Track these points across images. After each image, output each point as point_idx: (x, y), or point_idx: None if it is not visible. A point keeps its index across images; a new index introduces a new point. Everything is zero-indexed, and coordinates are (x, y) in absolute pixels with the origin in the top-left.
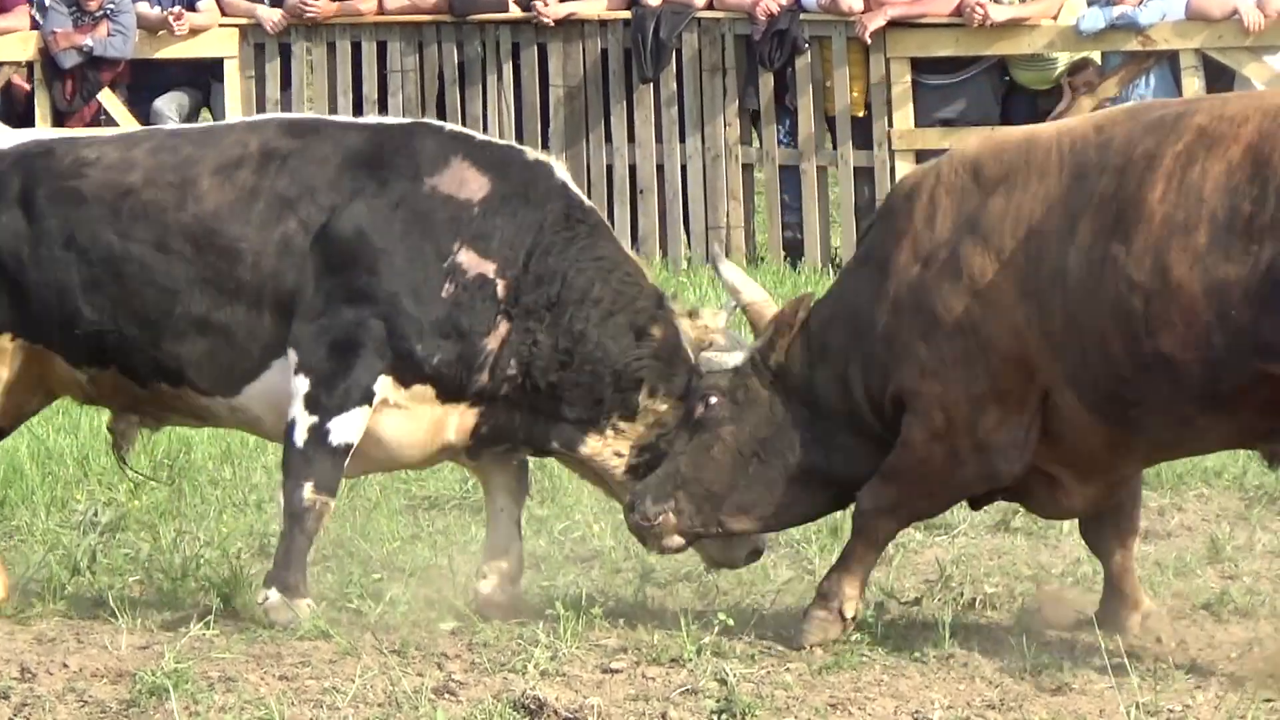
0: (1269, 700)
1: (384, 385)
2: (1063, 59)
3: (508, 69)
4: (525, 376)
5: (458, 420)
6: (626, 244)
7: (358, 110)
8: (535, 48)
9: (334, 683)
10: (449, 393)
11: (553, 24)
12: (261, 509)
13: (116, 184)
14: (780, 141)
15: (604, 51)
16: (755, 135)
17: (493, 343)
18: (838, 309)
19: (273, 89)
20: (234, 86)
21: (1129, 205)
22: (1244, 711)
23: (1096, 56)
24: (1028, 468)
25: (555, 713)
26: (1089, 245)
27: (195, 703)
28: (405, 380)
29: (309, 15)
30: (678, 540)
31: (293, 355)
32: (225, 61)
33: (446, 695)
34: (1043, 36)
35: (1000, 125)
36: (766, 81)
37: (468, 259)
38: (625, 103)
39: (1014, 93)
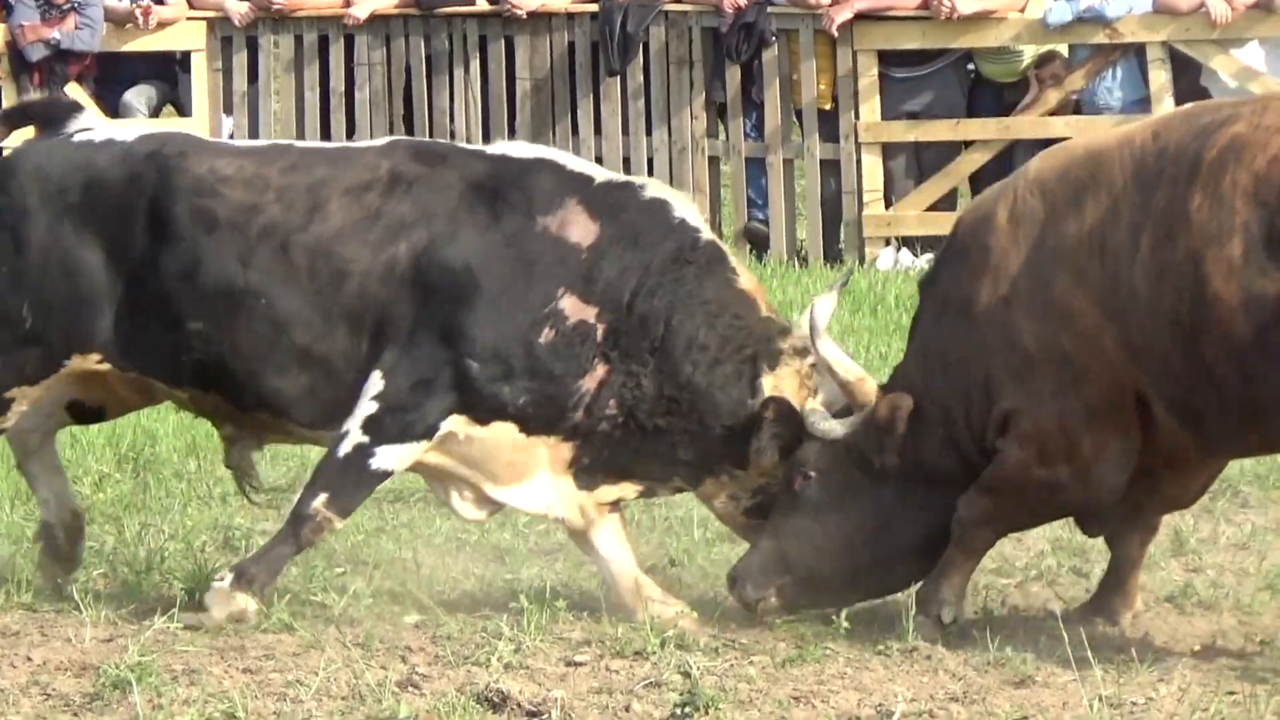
0: (1231, 693)
1: (454, 423)
2: (1029, 51)
3: (475, 62)
4: (629, 418)
5: (548, 452)
6: None
7: (324, 104)
8: (502, 40)
9: (298, 676)
10: (534, 430)
11: (525, 16)
12: (226, 502)
13: (250, 206)
14: (746, 134)
15: (571, 44)
16: (722, 128)
17: (589, 384)
18: (928, 367)
19: (240, 82)
20: (201, 80)
21: (1176, 215)
22: (1207, 704)
23: (1063, 49)
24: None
25: (519, 705)
26: (1149, 257)
27: (159, 696)
28: (482, 419)
29: (275, 8)
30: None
31: (375, 377)
32: (192, 54)
33: (410, 688)
34: (1010, 29)
35: (967, 118)
36: (733, 74)
37: (569, 305)
38: (592, 95)
39: (980, 85)
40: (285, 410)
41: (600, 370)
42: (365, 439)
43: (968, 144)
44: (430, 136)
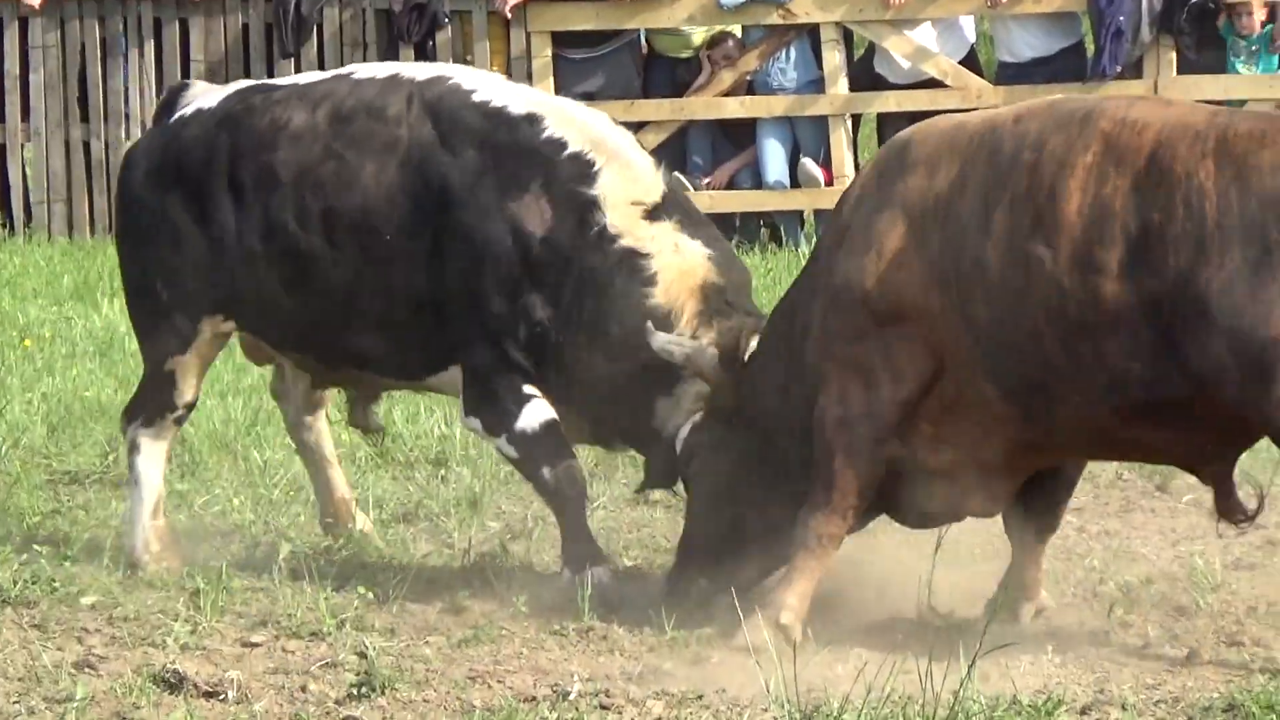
0: (908, 672)
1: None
2: (698, 32)
3: (150, 45)
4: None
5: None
6: None
7: None
8: (177, 23)
9: None
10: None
11: None
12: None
13: (302, 159)
14: None
15: (245, 26)
16: None
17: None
18: (774, 319)
19: None
20: None
21: (1047, 211)
22: (883, 682)
23: (737, 30)
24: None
25: (196, 686)
26: (1008, 241)
27: None
28: None
29: None
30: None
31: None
32: None
33: (87, 669)
34: (684, 10)
35: (641, 99)
36: (407, 56)
37: None
38: (266, 78)
39: (654, 57)
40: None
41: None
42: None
43: (643, 125)
44: (105, 120)
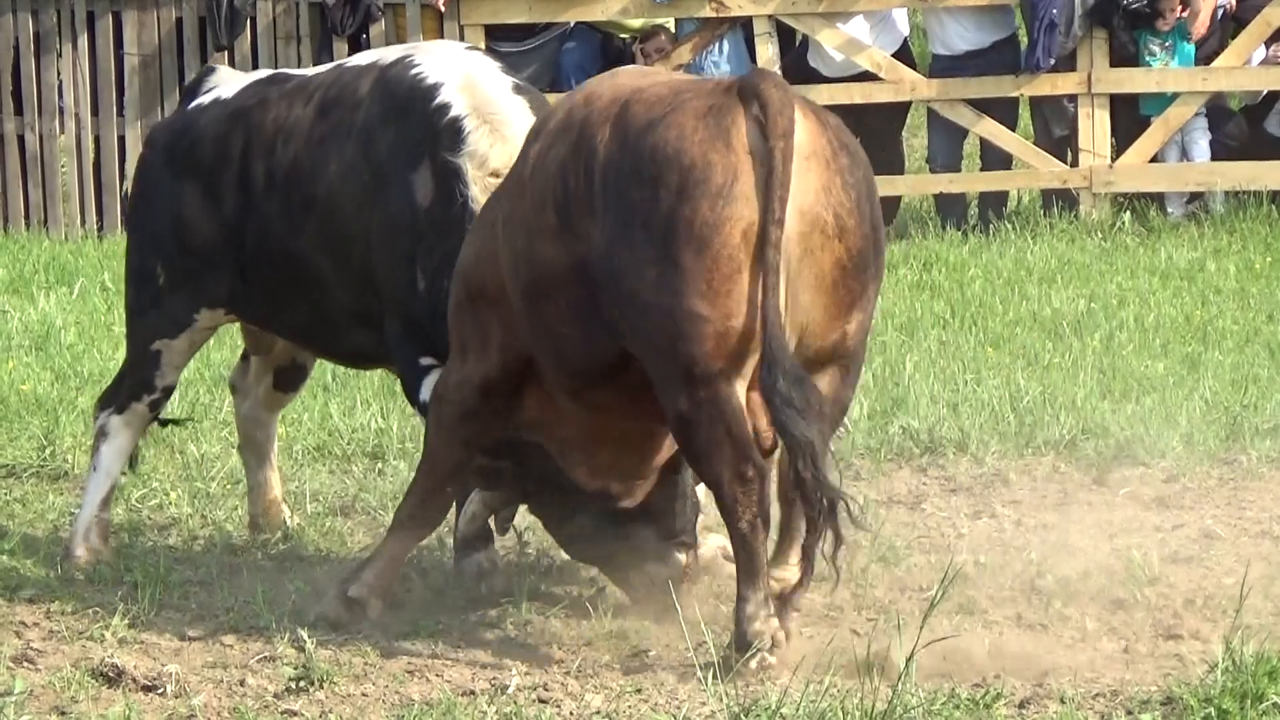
0: (844, 665)
1: None
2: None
3: (83, 38)
4: None
5: None
6: None
7: None
8: (110, 16)
9: None
10: None
11: None
12: None
13: (295, 155)
14: None
15: (179, 19)
16: None
17: None
18: None
19: None
20: None
21: (526, 185)
22: (820, 676)
23: (670, 23)
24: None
25: (134, 680)
26: (508, 219)
27: None
28: None
29: None
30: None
31: None
32: None
33: (25, 663)
34: (617, 3)
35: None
36: (340, 49)
37: None
38: (200, 70)
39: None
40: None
41: None
42: None
43: None
44: (39, 114)
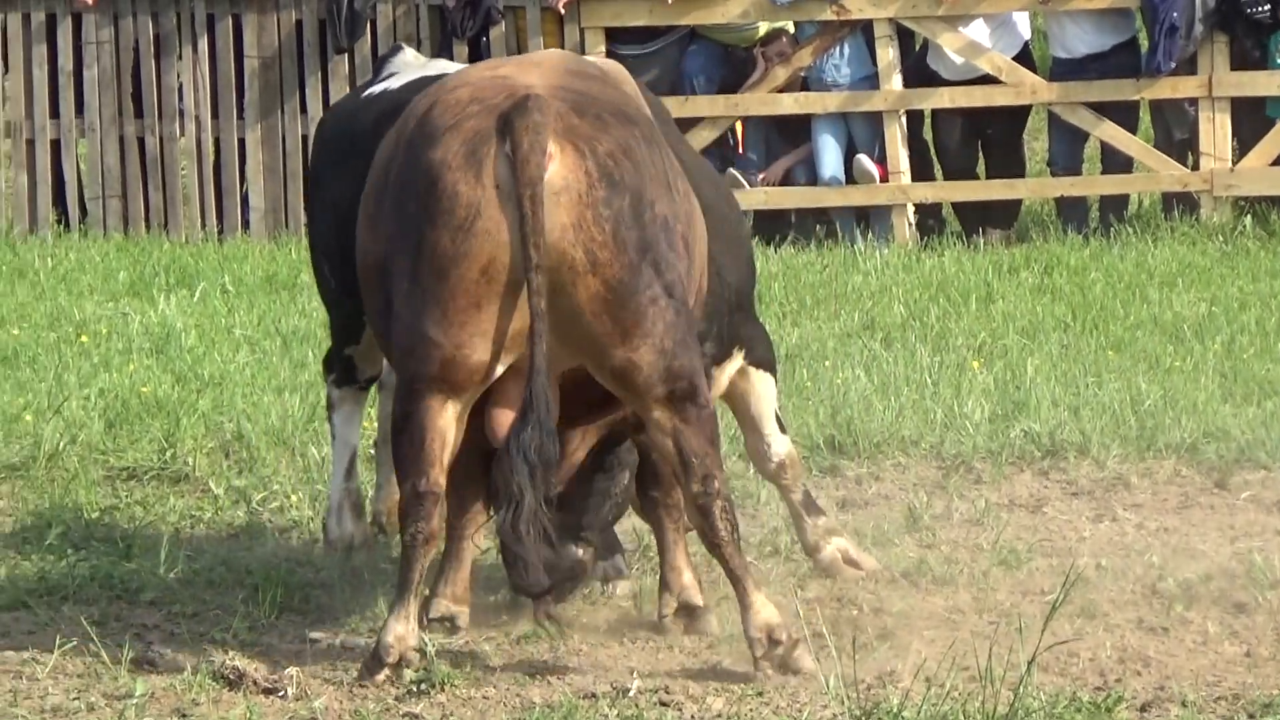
0: (967, 669)
1: None
2: (763, 24)
3: (203, 41)
4: None
5: None
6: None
7: (52, 83)
8: (230, 19)
9: (33, 654)
10: None
11: None
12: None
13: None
14: None
15: (299, 22)
16: None
17: None
18: None
19: None
20: None
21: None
22: (942, 680)
23: (790, 26)
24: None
25: (254, 683)
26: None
27: None
28: None
29: None
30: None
31: None
32: None
33: (146, 666)
34: (737, 6)
35: (695, 95)
36: (460, 51)
37: None
38: (320, 73)
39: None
40: None
41: None
42: None
43: (696, 120)
44: (160, 117)
